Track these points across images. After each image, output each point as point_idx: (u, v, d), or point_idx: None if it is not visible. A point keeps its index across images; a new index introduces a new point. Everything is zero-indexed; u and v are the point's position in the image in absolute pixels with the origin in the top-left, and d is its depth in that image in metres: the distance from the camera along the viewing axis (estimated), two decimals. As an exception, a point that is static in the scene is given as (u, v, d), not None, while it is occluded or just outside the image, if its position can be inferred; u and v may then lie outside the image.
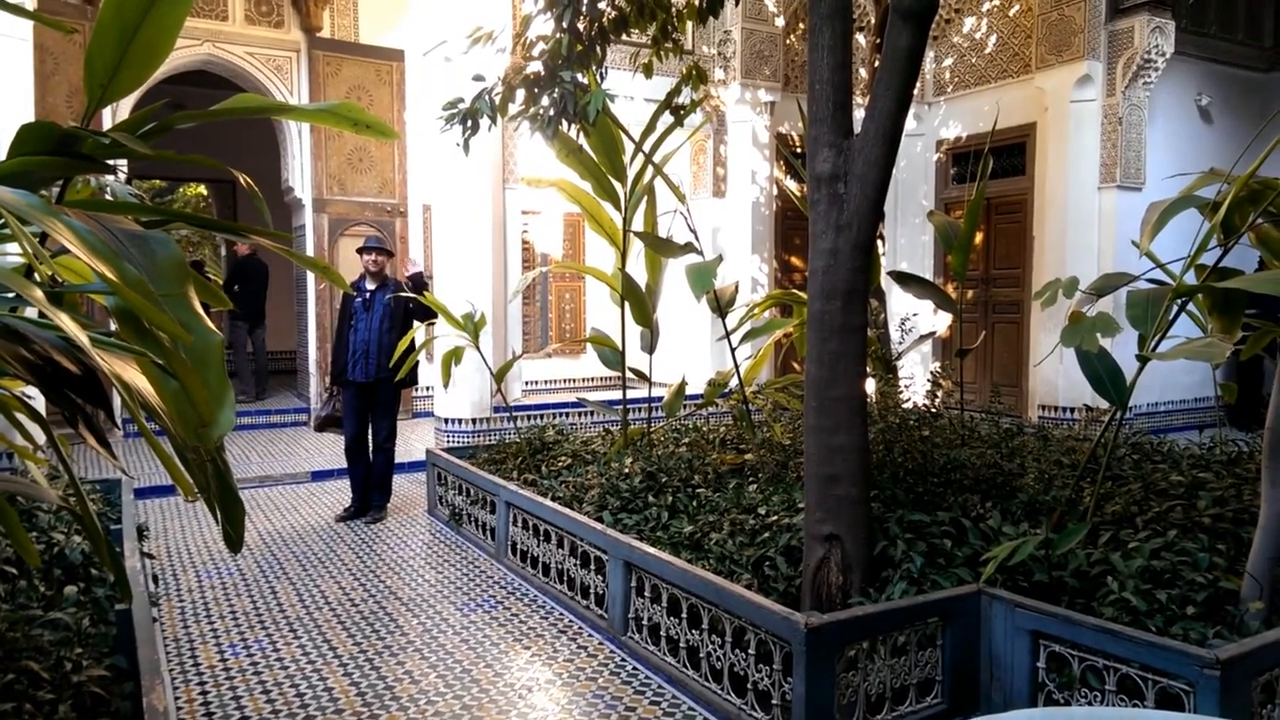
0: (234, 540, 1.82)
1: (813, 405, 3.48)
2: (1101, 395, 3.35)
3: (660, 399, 5.94)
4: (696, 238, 4.98)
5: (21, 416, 2.00)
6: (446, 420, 8.12)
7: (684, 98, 4.99)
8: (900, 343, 5.21)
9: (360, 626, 4.22)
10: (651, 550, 3.80)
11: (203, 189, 20.35)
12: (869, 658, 3.04)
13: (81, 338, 1.29)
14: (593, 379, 10.95)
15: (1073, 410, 8.65)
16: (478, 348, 5.81)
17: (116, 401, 6.83)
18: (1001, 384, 9.75)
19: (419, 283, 6.24)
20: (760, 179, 9.84)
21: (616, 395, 6.00)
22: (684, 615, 3.55)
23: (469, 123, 4.46)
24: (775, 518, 3.92)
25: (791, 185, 10.08)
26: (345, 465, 6.42)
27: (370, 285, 6.21)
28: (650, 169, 5.15)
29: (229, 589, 4.75)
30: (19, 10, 1.74)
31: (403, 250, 10.27)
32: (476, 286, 7.89)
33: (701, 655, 3.44)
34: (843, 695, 2.96)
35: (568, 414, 8.80)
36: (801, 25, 9.96)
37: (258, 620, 4.30)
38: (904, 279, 4.73)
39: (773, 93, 9.78)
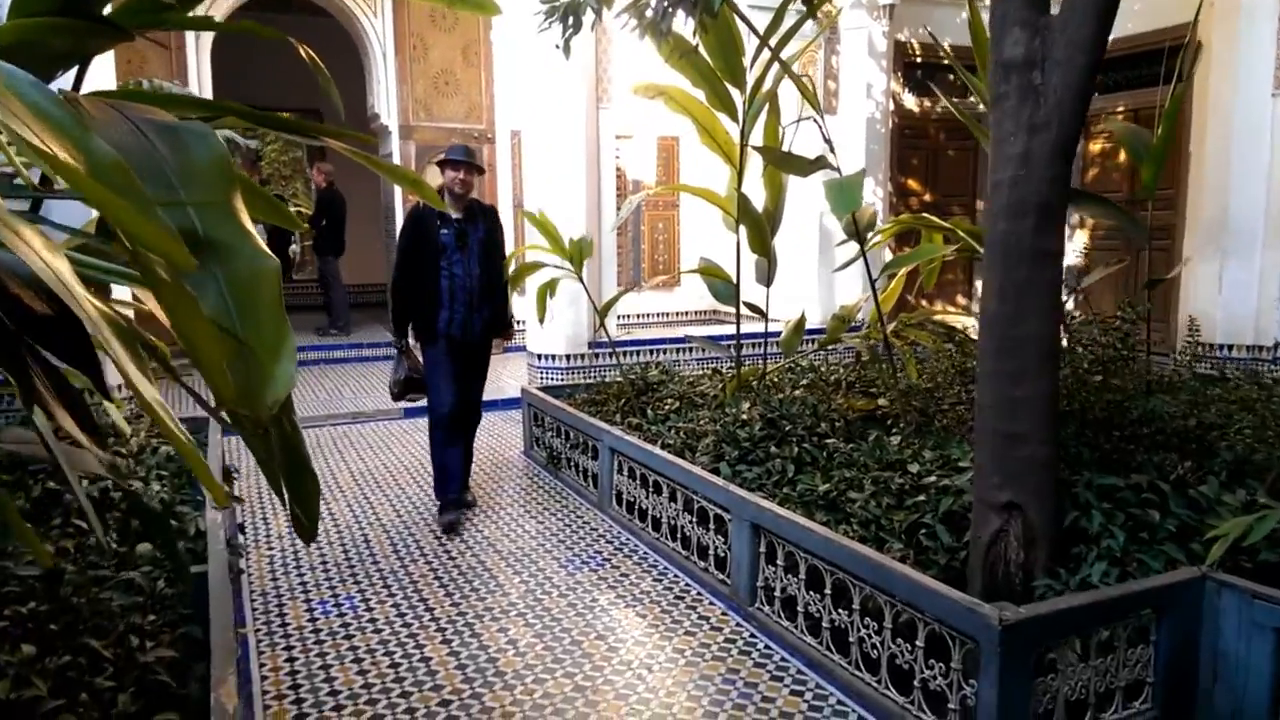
0: (306, 528, 1.37)
1: (990, 347, 2.88)
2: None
3: (774, 335, 5.38)
4: (831, 148, 4.33)
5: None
6: (539, 356, 7.69)
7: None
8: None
9: (458, 583, 3.87)
10: (784, 512, 3.29)
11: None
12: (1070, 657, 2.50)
13: (57, 263, 0.84)
14: (687, 313, 10.42)
15: (1230, 348, 7.72)
16: (580, 279, 5.31)
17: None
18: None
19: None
20: (876, 93, 8.96)
21: (718, 331, 5.45)
22: (827, 590, 3.05)
23: (570, 20, 3.89)
24: (932, 478, 3.36)
25: (909, 100, 9.19)
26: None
27: (455, 213, 4.70)
28: (773, 72, 4.50)
29: (320, 536, 4.45)
30: None
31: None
32: (570, 215, 7.34)
33: (851, 640, 2.94)
34: (1038, 701, 2.43)
35: (665, 350, 8.29)
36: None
37: (349, 573, 3.99)
38: (1079, 197, 4.01)
39: (892, -5, 8.84)
